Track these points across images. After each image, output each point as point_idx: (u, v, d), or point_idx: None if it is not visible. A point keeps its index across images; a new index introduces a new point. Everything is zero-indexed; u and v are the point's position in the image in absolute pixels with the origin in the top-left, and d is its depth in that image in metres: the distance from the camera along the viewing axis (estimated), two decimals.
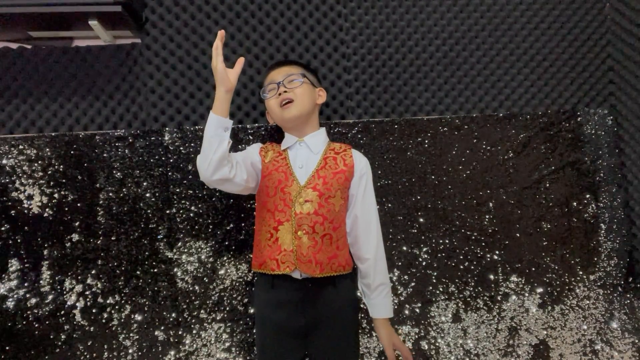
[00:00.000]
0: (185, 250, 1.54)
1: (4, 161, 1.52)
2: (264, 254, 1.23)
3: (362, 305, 1.47)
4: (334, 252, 1.23)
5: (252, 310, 1.53)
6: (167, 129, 1.57)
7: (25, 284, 1.49)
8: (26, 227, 1.50)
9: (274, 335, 1.22)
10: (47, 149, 1.53)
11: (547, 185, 1.69)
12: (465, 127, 1.67)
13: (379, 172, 1.62)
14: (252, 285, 1.54)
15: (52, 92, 1.58)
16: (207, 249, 1.54)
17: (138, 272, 1.52)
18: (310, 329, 1.21)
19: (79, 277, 1.50)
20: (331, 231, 1.22)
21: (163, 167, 1.55)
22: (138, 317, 1.50)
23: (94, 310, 1.49)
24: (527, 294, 1.63)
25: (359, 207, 1.28)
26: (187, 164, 1.56)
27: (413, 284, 1.59)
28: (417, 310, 1.58)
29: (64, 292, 1.49)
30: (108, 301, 1.50)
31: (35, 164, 1.53)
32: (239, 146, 1.56)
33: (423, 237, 1.62)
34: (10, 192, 1.51)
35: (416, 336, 1.57)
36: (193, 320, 1.51)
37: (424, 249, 1.61)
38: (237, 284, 1.54)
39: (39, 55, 1.58)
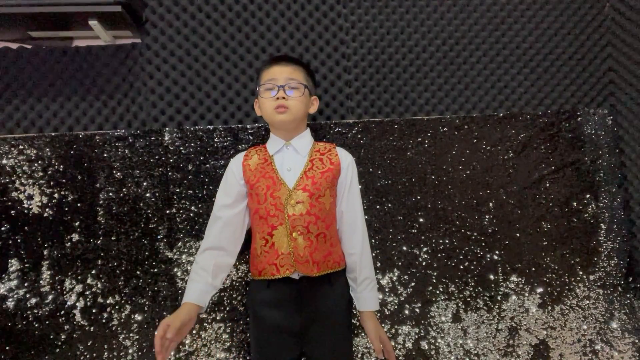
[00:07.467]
0: (185, 250, 1.54)
1: (4, 161, 1.52)
2: (262, 261, 1.23)
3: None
4: (328, 249, 1.24)
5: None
6: (167, 129, 1.57)
7: (25, 284, 1.49)
8: (26, 227, 1.50)
9: (271, 334, 1.22)
10: (47, 149, 1.53)
11: (547, 185, 1.68)
12: (465, 127, 1.67)
13: (379, 172, 1.62)
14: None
15: (52, 92, 1.58)
16: None
17: (138, 272, 1.52)
18: (307, 326, 1.22)
19: (79, 277, 1.50)
20: (324, 229, 1.24)
21: (163, 167, 1.55)
22: (138, 317, 1.50)
23: (94, 310, 1.49)
24: (527, 294, 1.63)
25: (345, 203, 1.30)
26: (187, 164, 1.56)
27: (413, 284, 1.59)
28: (417, 310, 1.58)
29: (64, 292, 1.49)
30: (108, 301, 1.50)
31: (35, 164, 1.53)
32: (239, 146, 1.56)
33: (423, 237, 1.62)
34: (10, 192, 1.51)
35: (416, 336, 1.57)
36: None
37: (424, 249, 1.61)
38: (237, 284, 1.54)
39: (39, 55, 1.58)
